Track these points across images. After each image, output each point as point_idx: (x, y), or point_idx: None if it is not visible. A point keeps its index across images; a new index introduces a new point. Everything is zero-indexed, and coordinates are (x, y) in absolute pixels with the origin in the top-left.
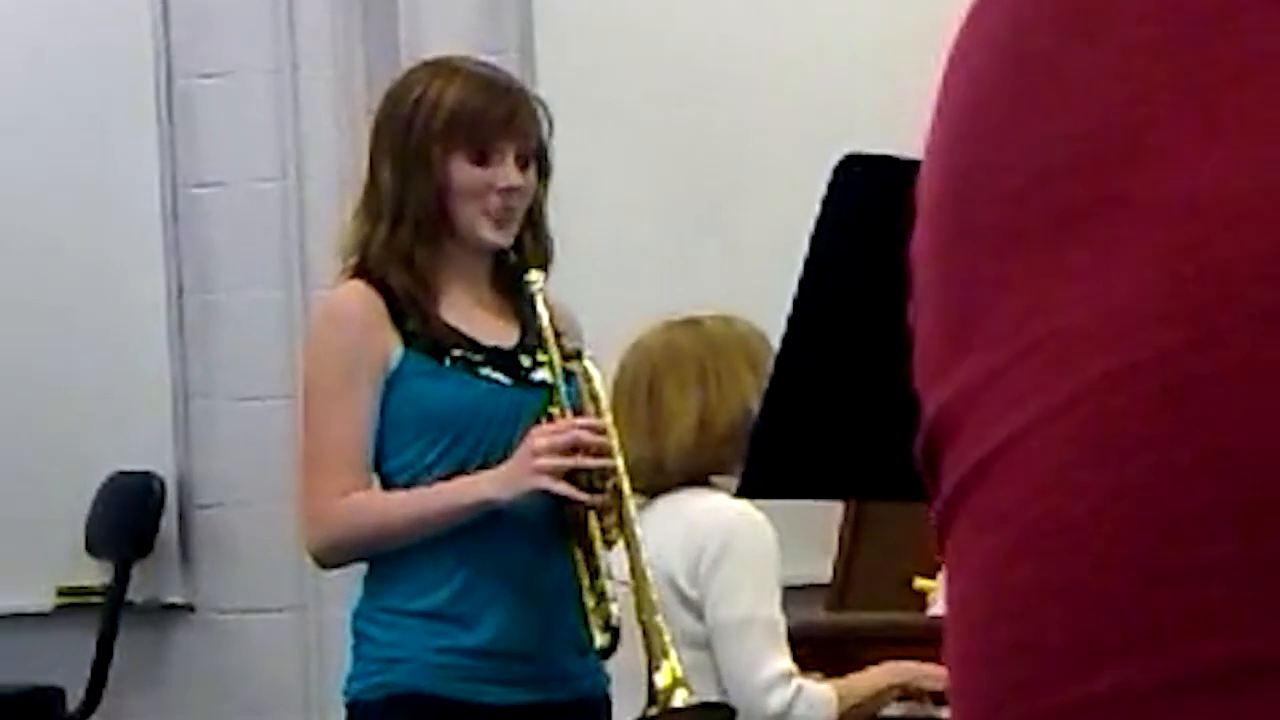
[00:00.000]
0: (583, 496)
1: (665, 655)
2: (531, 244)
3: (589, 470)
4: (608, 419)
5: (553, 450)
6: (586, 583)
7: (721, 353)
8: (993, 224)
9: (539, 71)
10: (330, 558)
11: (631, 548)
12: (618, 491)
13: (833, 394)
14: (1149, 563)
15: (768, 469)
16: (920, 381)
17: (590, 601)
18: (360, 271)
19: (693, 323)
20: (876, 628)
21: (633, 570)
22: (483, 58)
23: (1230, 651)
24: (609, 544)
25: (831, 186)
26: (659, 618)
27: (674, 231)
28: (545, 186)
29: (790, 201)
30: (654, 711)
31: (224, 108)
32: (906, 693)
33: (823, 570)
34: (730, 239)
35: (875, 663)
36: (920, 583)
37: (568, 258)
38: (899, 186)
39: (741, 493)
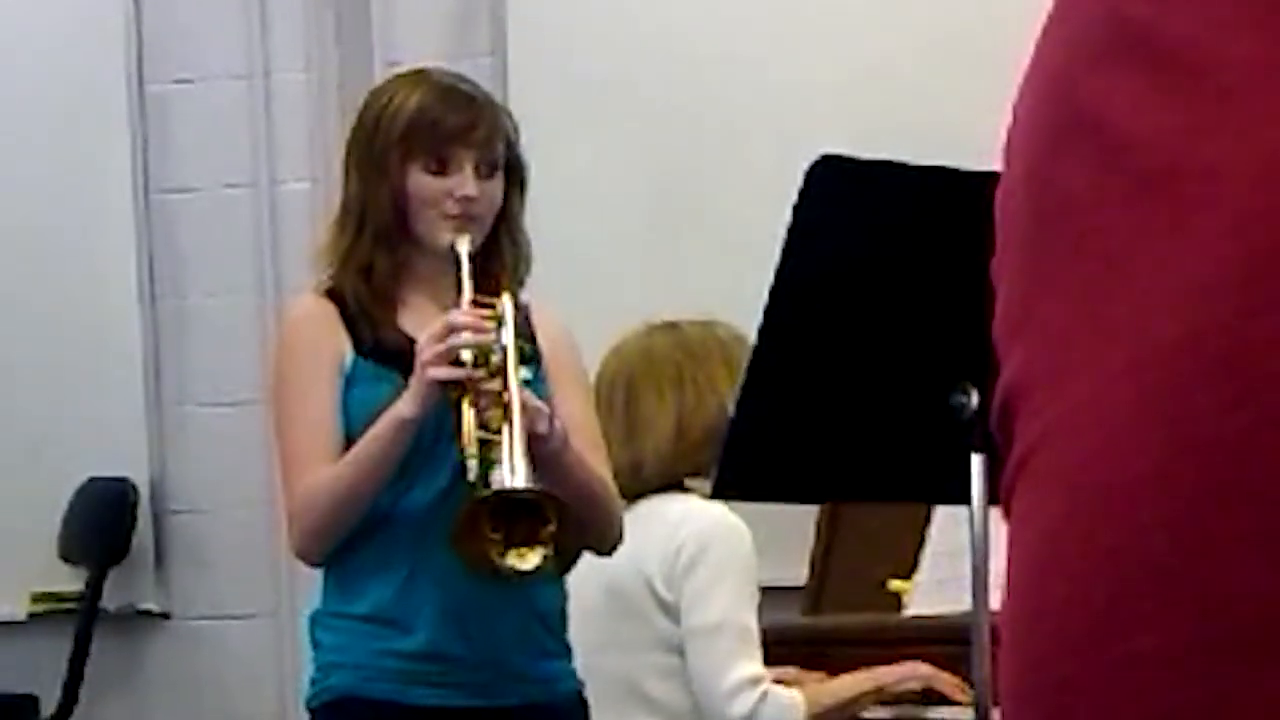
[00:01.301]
0: (460, 373)
1: (524, 469)
2: (510, 252)
3: (471, 349)
4: (502, 309)
5: (430, 341)
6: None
7: (699, 358)
8: (1078, 183)
9: (512, 76)
10: (311, 550)
11: (508, 407)
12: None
13: (806, 396)
14: (1198, 527)
15: (742, 471)
16: (999, 340)
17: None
18: (327, 286)
19: (671, 327)
20: (852, 629)
21: (506, 415)
22: (456, 62)
23: (1270, 616)
24: (487, 429)
25: (805, 188)
26: (523, 446)
27: (650, 233)
28: (520, 195)
29: (769, 201)
30: (487, 492)
31: (196, 113)
32: (888, 697)
33: (798, 572)
34: (707, 240)
35: (851, 664)
36: (894, 584)
37: (544, 262)
38: (872, 188)
39: (715, 494)
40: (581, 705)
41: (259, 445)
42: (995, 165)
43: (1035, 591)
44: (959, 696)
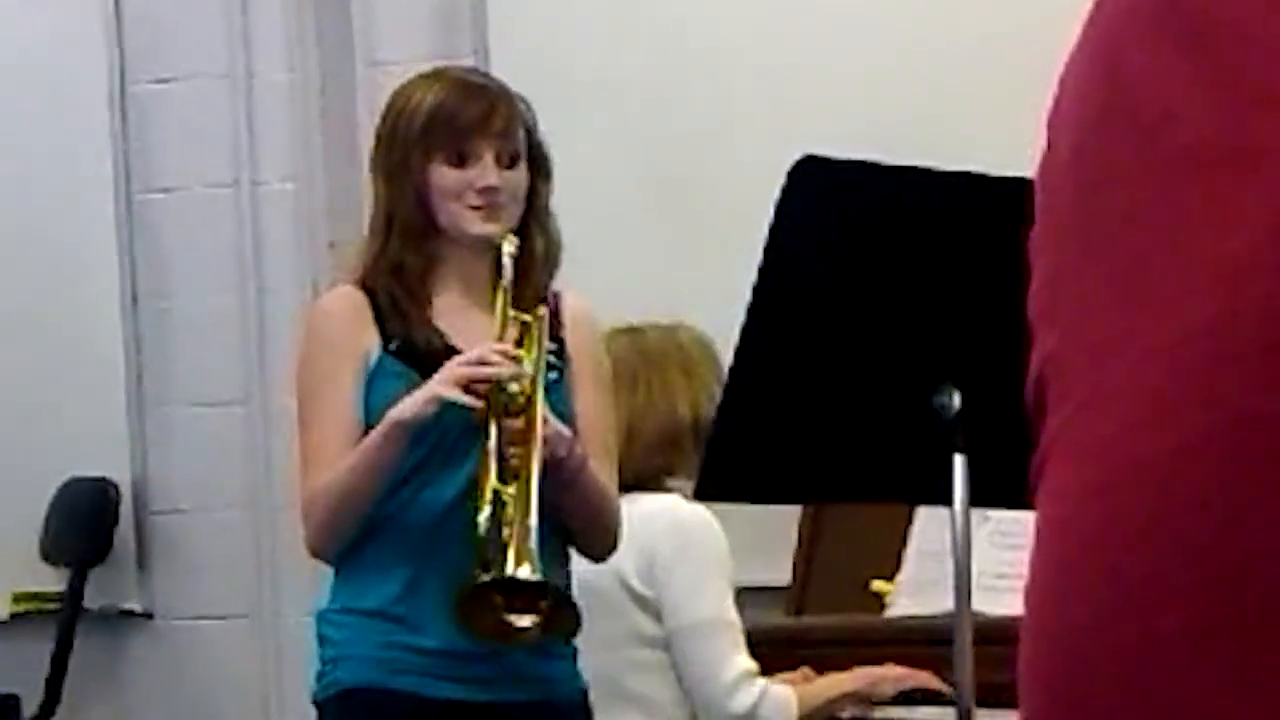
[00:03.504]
0: (468, 399)
1: (526, 558)
2: (541, 241)
3: (491, 384)
4: (538, 328)
5: (458, 363)
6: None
7: (655, 363)
8: (1121, 158)
9: (495, 72)
10: (321, 546)
11: (529, 454)
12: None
13: (789, 397)
14: (1229, 505)
15: (724, 472)
16: (1035, 313)
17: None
18: (360, 280)
19: (631, 331)
20: (835, 630)
21: (524, 471)
22: (437, 60)
23: None
24: (511, 476)
25: (787, 189)
26: (531, 520)
27: (639, 231)
28: (546, 182)
29: (759, 199)
30: (489, 576)
31: (177, 113)
32: (865, 698)
33: (781, 573)
34: (697, 238)
35: (835, 665)
36: (877, 585)
37: None
38: (855, 189)
39: (699, 496)
40: (585, 705)
41: (242, 446)
42: (995, 166)
43: (1065, 567)
44: (941, 688)
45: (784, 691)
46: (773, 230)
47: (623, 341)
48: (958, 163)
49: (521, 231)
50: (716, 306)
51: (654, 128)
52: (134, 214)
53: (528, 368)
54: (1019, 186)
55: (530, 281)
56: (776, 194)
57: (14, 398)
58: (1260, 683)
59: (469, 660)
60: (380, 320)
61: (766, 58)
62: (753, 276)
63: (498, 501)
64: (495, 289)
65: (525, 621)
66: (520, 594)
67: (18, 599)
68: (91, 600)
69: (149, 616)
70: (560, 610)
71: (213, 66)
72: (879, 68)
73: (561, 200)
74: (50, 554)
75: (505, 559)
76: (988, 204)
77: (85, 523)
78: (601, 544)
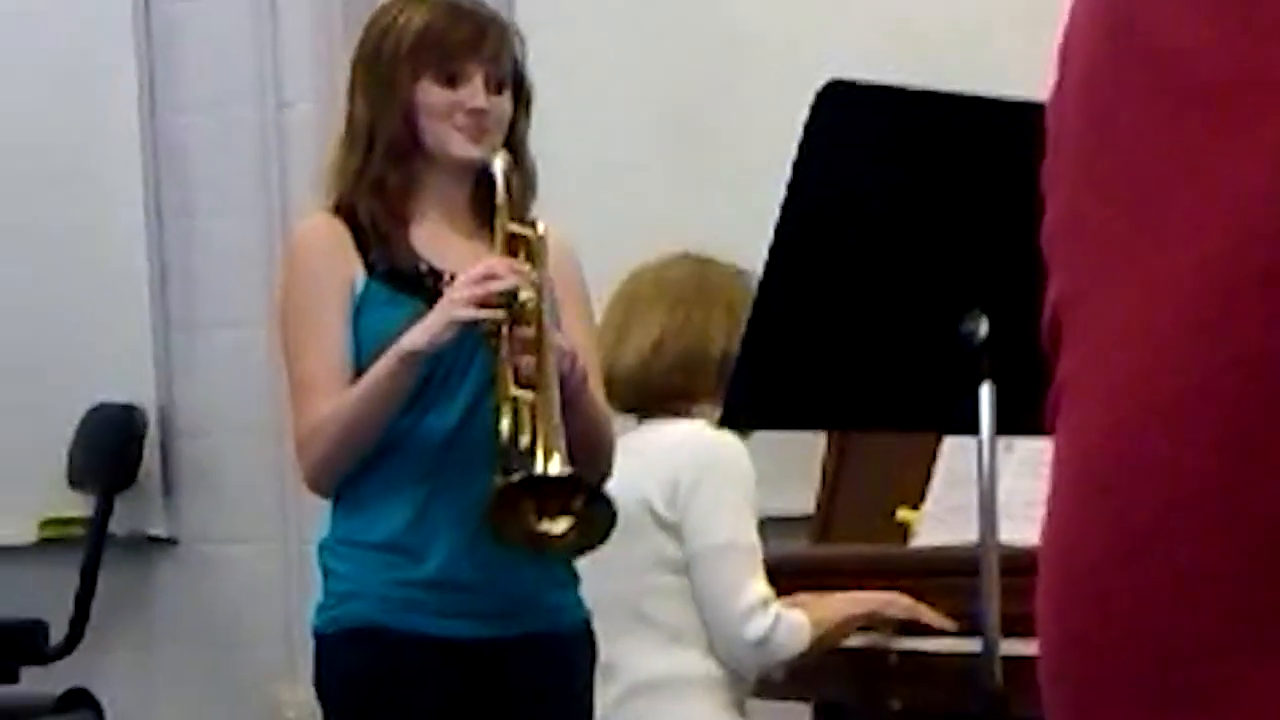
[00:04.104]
0: (485, 314)
1: (556, 450)
2: (516, 178)
3: (502, 295)
4: (537, 242)
5: (467, 283)
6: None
7: (706, 293)
8: (1131, 91)
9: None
10: (319, 480)
11: (544, 360)
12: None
13: (815, 324)
14: (1244, 442)
15: (750, 399)
16: (1048, 248)
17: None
18: (336, 204)
19: (701, 261)
20: (859, 559)
21: (539, 377)
22: None
23: None
24: (525, 385)
25: (813, 114)
26: (555, 420)
27: (660, 155)
28: (526, 115)
29: (782, 124)
30: (527, 474)
31: (202, 34)
32: (870, 623)
33: (806, 502)
34: (719, 162)
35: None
36: (903, 514)
37: (549, 183)
38: (881, 113)
39: (724, 423)
40: (589, 634)
41: (267, 369)
42: (1022, 89)
43: (1080, 506)
44: (943, 625)
45: (797, 617)
46: (799, 156)
47: (688, 266)
48: (983, 87)
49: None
50: (741, 230)
51: (680, 47)
52: (158, 134)
53: (531, 278)
54: (1046, 112)
55: (513, 206)
56: (803, 118)
57: (39, 324)
58: (1270, 622)
59: (473, 591)
60: (361, 247)
61: None
62: (776, 202)
63: (516, 409)
64: (473, 214)
65: (560, 526)
66: (551, 496)
67: (45, 525)
68: (117, 526)
69: (174, 542)
70: (594, 508)
71: None
72: None
73: (583, 119)
74: (77, 480)
75: (533, 459)
76: (1015, 128)
77: (111, 448)
78: (602, 466)
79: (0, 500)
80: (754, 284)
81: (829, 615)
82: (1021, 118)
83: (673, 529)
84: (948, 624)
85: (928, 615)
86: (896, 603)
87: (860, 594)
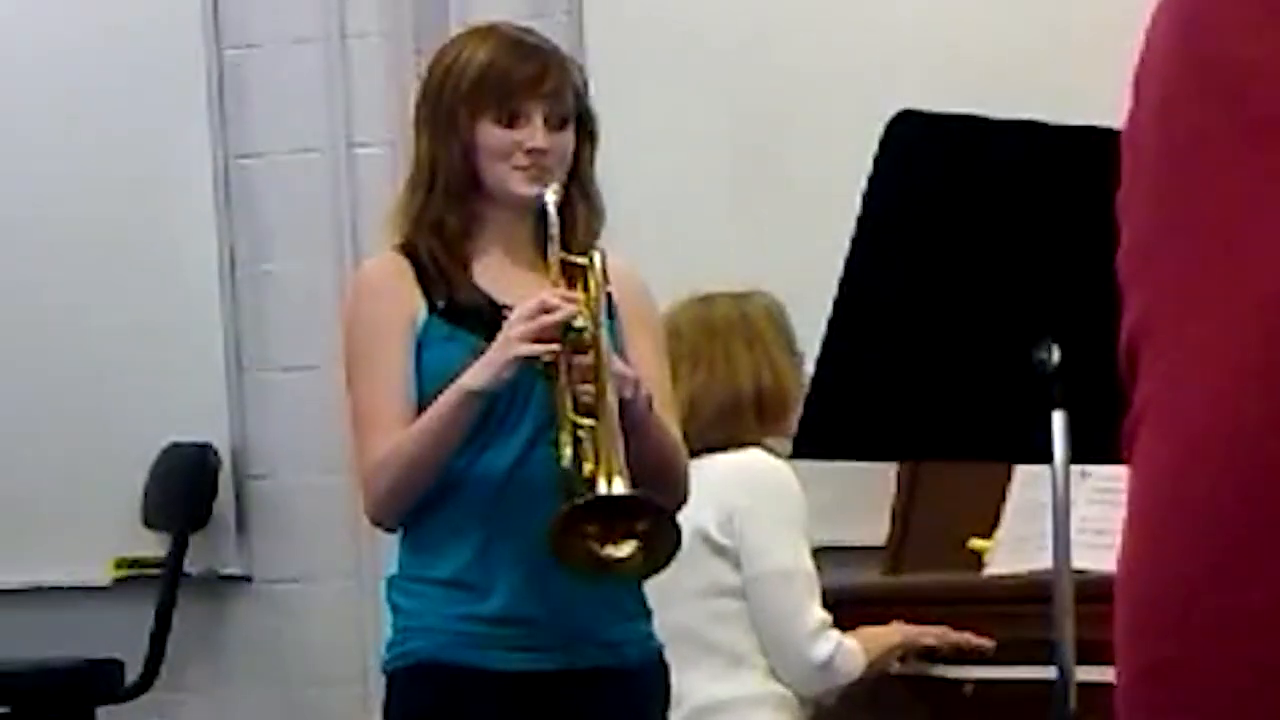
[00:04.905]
0: (542, 348)
1: (617, 473)
2: (584, 207)
3: (558, 327)
4: (595, 271)
5: (521, 318)
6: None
7: (718, 335)
8: (1209, 119)
9: (589, 34)
10: (382, 516)
11: (602, 387)
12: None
13: (886, 354)
14: None
15: (822, 430)
16: (1124, 276)
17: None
18: (402, 244)
19: (705, 300)
20: (933, 588)
21: (599, 403)
22: (533, 21)
23: None
24: (585, 412)
25: (883, 143)
26: (618, 444)
27: (729, 189)
28: (591, 150)
29: (850, 156)
30: (589, 496)
31: (273, 77)
32: (906, 652)
33: (878, 532)
34: (787, 195)
35: (932, 624)
36: (975, 543)
37: (618, 218)
38: (951, 142)
39: (796, 454)
40: (662, 666)
41: (339, 410)
42: (1093, 118)
43: (1155, 536)
44: (982, 646)
45: (855, 644)
46: (870, 184)
47: (692, 313)
48: (1055, 117)
49: (564, 197)
50: (811, 265)
51: (749, 81)
52: (231, 180)
53: (587, 306)
54: (1118, 138)
55: (575, 238)
56: (871, 149)
57: (115, 365)
58: None
59: (537, 626)
60: (424, 283)
61: (866, 9)
62: (846, 235)
63: (578, 436)
64: (536, 248)
65: (624, 550)
66: (615, 519)
67: (120, 565)
68: (192, 565)
69: (249, 580)
70: (659, 529)
71: (307, 30)
72: (980, 22)
73: (652, 155)
74: (151, 520)
75: (596, 481)
76: (1087, 156)
77: (185, 488)
78: (673, 493)
79: (76, 540)
80: (762, 299)
81: (874, 645)
82: (1092, 144)
83: (729, 554)
84: (985, 644)
85: (964, 640)
86: (930, 632)
87: (899, 625)
